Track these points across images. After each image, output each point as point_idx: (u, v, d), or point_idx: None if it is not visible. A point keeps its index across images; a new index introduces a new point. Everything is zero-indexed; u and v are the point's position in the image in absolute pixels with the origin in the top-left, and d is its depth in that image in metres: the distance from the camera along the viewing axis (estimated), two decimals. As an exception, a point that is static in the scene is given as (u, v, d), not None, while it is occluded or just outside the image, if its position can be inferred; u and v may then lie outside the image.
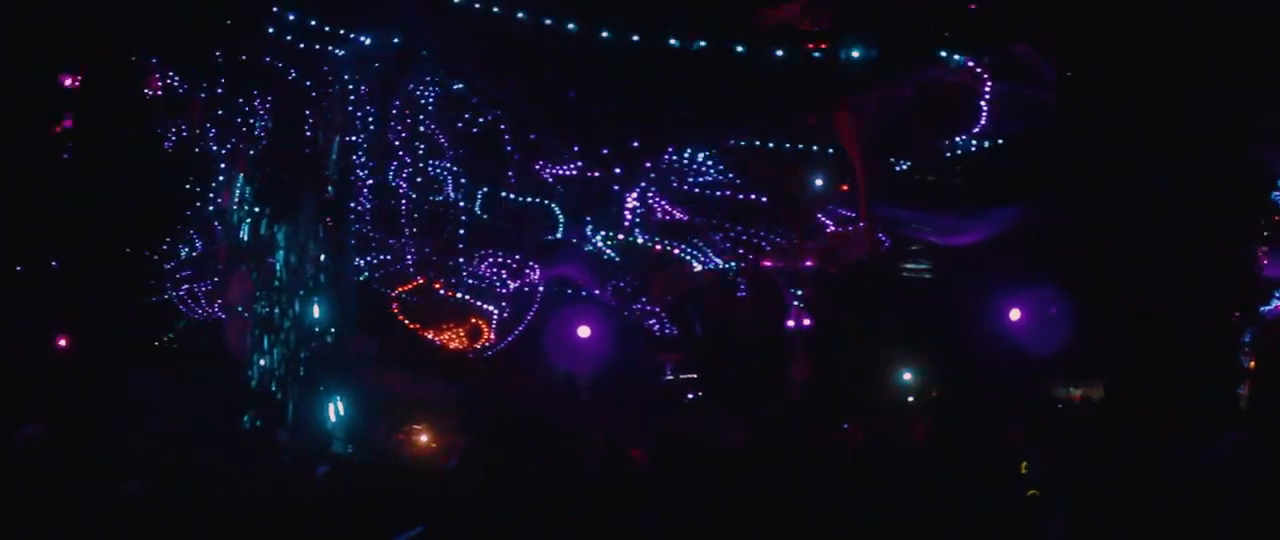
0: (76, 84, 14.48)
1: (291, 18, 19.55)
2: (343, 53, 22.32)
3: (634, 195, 23.65)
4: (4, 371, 15.45)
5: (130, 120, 15.72)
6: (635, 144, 19.10)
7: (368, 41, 21.89)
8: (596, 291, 27.79)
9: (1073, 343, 24.75)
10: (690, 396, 29.07)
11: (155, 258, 20.55)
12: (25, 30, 13.71)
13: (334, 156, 23.41)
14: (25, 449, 16.70)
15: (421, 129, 24.58)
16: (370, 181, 24.36)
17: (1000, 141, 21.83)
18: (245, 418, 22.10)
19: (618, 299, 27.91)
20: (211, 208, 21.46)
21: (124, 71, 15.43)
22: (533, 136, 22.69)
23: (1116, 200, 22.11)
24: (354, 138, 23.57)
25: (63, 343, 16.73)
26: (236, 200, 22.29)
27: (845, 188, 23.82)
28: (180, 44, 16.92)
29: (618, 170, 20.91)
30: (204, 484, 18.01)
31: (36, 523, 12.90)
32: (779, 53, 14.26)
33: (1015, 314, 30.07)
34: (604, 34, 13.93)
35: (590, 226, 25.41)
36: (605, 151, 20.23)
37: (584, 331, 27.73)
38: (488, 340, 27.40)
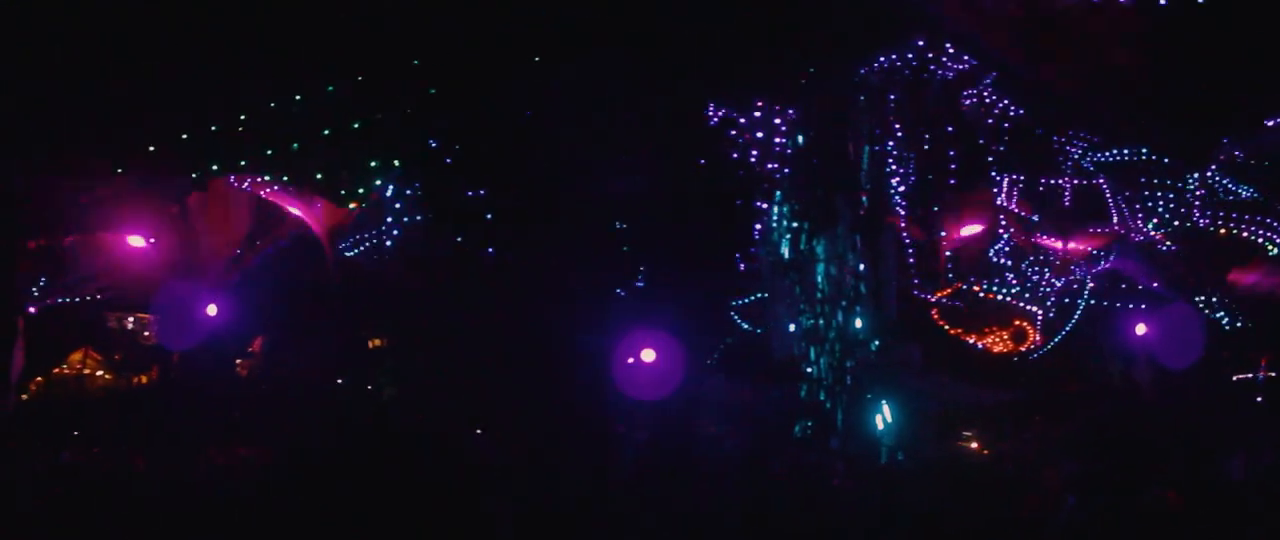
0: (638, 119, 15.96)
1: (812, 36, 19.92)
2: (865, 67, 22.50)
3: (1197, 176, 21.45)
4: (591, 381, 17.24)
5: (691, 148, 16.89)
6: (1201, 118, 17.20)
7: (893, 47, 21.88)
8: (1152, 285, 25.53)
9: None
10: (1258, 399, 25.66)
11: (714, 276, 21.84)
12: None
13: (866, 167, 23.60)
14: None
15: (949, 129, 24.08)
16: (903, 187, 24.22)
17: None
18: (797, 427, 22.83)
19: (1177, 291, 25.44)
20: (758, 226, 22.39)
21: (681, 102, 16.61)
22: (1072, 123, 21.37)
23: None
24: (884, 145, 23.63)
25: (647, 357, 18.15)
26: (776, 217, 23.11)
27: None
28: (727, 70, 17.83)
29: (1179, 150, 19.02)
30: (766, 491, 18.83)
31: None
32: None
33: None
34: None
35: (1143, 215, 23.44)
36: (1166, 130, 18.48)
37: (1140, 329, 25.57)
38: (1033, 342, 26.10)
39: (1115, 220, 23.91)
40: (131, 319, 26.24)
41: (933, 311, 26.03)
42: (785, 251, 22.83)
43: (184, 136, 17.17)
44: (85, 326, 24.83)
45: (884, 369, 23.37)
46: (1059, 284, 25.69)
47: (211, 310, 21.79)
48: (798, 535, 16.46)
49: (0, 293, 19.09)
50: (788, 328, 22.65)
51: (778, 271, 22.58)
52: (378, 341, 25.02)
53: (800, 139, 22.67)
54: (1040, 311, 25.74)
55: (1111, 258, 25.03)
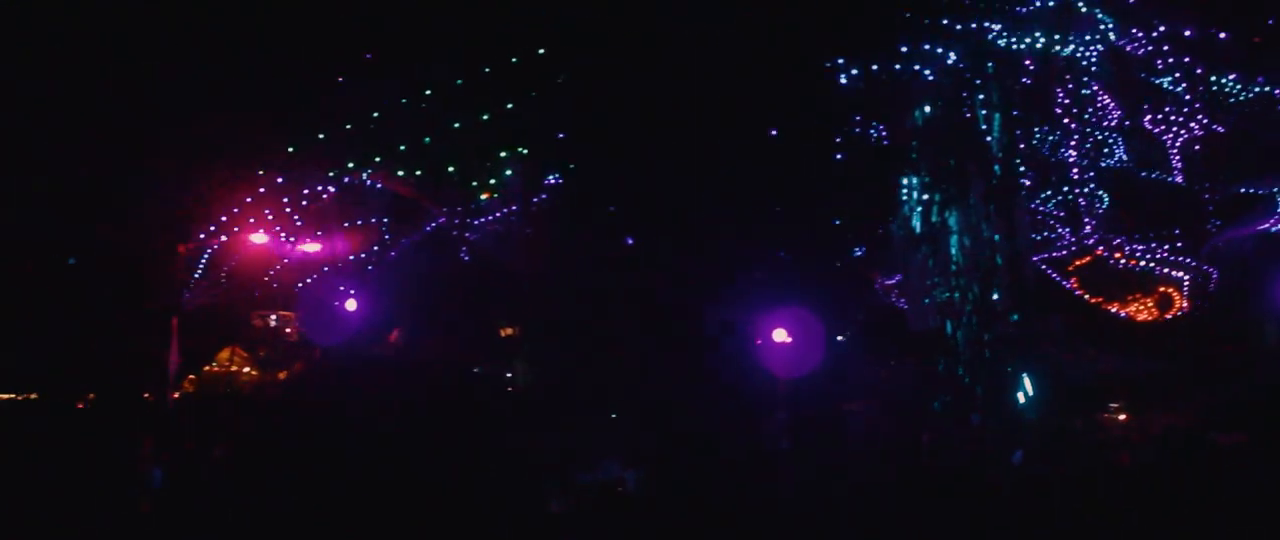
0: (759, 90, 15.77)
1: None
2: (999, 26, 21.82)
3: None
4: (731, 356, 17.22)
5: (818, 119, 16.64)
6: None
7: (1025, 9, 21.20)
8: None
9: None
10: None
11: (849, 252, 21.51)
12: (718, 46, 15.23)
13: (998, 135, 22.93)
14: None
15: (1086, 93, 23.21)
16: (1038, 155, 23.47)
17: None
18: (936, 402, 22.34)
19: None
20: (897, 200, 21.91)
21: (805, 75, 16.35)
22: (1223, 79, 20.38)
23: None
24: (1017, 113, 22.93)
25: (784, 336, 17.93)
26: (907, 189, 22.62)
27: None
28: (857, 41, 17.45)
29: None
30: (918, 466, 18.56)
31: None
32: None
33: None
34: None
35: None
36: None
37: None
38: (1181, 309, 25.02)
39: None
40: (274, 317, 27.04)
41: (1072, 280, 25.22)
42: (917, 224, 22.36)
43: (320, 137, 17.62)
44: (232, 325, 25.70)
45: (1024, 341, 22.75)
46: (1210, 248, 24.64)
47: (351, 305, 22.35)
48: (941, 514, 16.26)
49: (157, 295, 19.88)
50: (923, 301, 22.21)
51: (910, 245, 22.12)
52: (510, 330, 25.31)
53: (929, 108, 22.14)
54: (1188, 277, 24.72)
55: (1272, 217, 23.83)
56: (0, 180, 17.83)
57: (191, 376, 25.51)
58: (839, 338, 22.53)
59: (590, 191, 16.93)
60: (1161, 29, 20.06)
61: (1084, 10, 21.80)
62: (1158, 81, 21.92)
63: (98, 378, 20.65)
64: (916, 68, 19.81)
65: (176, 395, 23.83)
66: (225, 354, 26.84)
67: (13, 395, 21.62)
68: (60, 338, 18.84)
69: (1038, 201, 23.88)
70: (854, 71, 18.22)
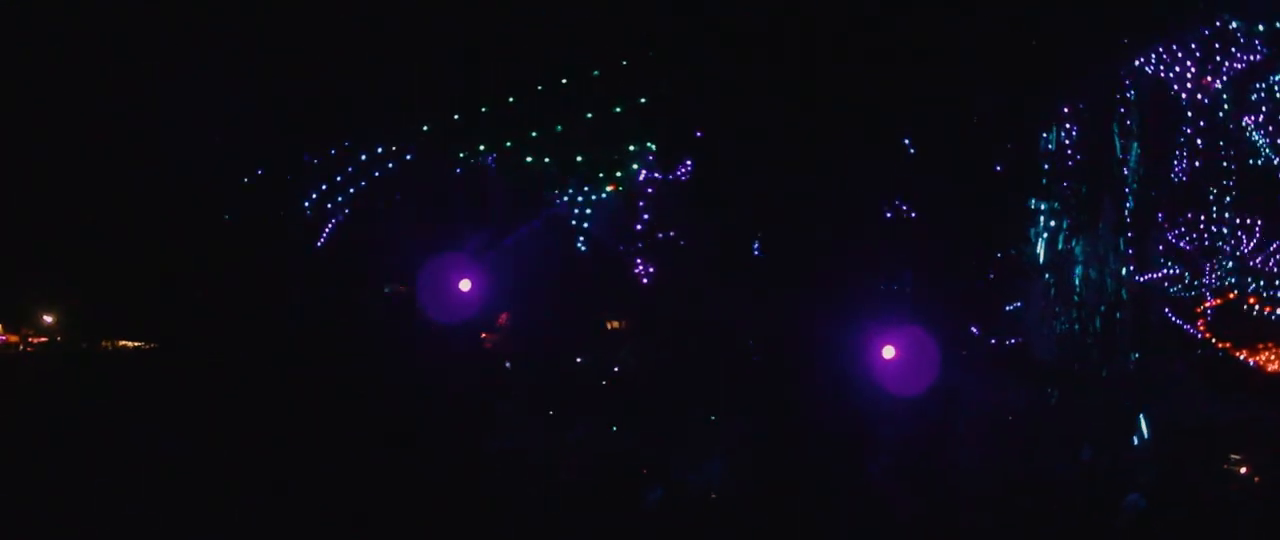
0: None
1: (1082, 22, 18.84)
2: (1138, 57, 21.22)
3: None
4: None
5: (959, 141, 16.32)
6: None
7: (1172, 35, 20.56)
8: None
9: None
10: None
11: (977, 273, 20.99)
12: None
13: (1133, 164, 22.28)
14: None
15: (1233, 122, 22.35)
16: (1173, 184, 22.69)
17: None
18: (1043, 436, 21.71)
19: None
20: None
21: (948, 91, 16.01)
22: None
23: None
24: (1154, 142, 22.26)
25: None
26: (1033, 214, 22.06)
27: None
28: (1004, 60, 17.01)
29: None
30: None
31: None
32: None
33: None
34: None
35: None
36: None
37: None
38: (1319, 360, 23.90)
39: None
40: (388, 290, 27.37)
41: (1199, 322, 24.29)
42: (1041, 251, 21.82)
43: (455, 117, 17.78)
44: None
45: (1143, 381, 22.10)
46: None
47: (465, 285, 22.52)
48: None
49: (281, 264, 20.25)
50: (1046, 330, 21.67)
51: (1035, 271, 21.61)
52: (617, 323, 25.28)
53: (1060, 133, 21.57)
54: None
55: None
56: (150, 154, 18.31)
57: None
58: (952, 359, 22.01)
59: (715, 192, 16.84)
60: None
61: (1239, 36, 21.05)
62: None
63: (219, 335, 21.16)
64: (1054, 89, 19.29)
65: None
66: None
67: (139, 343, 22.29)
68: (189, 296, 19.33)
69: (1172, 235, 23.06)
70: (991, 92, 17.83)
